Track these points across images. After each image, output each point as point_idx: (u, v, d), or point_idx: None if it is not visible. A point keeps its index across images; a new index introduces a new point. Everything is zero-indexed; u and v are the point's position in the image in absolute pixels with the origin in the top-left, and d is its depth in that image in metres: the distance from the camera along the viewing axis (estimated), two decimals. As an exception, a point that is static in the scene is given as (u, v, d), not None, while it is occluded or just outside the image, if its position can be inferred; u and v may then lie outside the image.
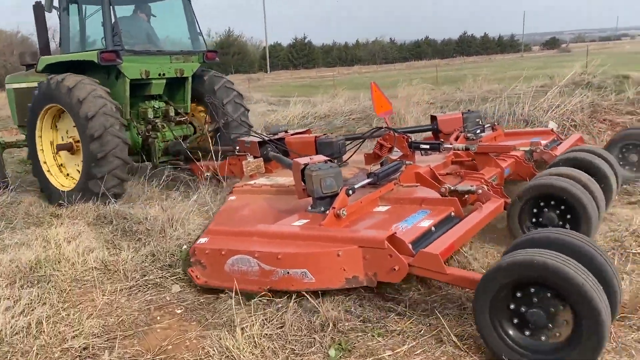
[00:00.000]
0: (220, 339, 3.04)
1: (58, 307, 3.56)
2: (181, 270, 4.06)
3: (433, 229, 3.44)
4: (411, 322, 3.14)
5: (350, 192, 3.65)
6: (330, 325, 3.10)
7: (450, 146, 4.89)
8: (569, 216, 3.81)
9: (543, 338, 2.59)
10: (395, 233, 3.14)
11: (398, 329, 3.09)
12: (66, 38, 7.10)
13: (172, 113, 7.24)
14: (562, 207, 3.84)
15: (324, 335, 3.03)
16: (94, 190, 5.94)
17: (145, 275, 4.06)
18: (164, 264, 4.21)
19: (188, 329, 3.32)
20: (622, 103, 9.89)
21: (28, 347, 3.08)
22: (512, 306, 2.65)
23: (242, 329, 3.07)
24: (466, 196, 4.05)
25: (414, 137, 5.43)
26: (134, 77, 6.61)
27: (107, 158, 5.91)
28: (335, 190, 3.64)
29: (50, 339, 3.17)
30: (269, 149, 5.46)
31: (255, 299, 3.38)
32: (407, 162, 4.49)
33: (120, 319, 3.44)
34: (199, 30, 7.41)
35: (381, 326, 3.12)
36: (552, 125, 8.08)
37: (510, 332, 2.66)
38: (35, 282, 3.99)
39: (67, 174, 6.68)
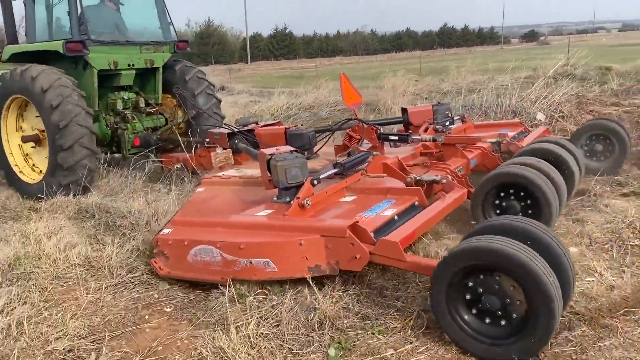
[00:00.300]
0: (214, 339, 2.90)
1: (39, 307, 3.38)
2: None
3: (396, 217, 3.46)
4: (412, 319, 3.03)
5: (315, 182, 3.65)
6: (329, 323, 2.99)
7: (419, 137, 4.93)
8: (530, 204, 3.89)
9: (497, 323, 2.63)
10: (358, 222, 3.14)
11: (399, 326, 2.99)
12: (32, 27, 6.95)
13: (142, 104, 7.14)
14: (524, 195, 3.92)
15: (322, 334, 2.92)
16: (64, 166, 5.79)
17: (131, 272, 3.89)
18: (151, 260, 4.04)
19: (179, 328, 3.17)
20: (606, 94, 9.93)
21: (8, 350, 2.90)
22: (467, 292, 2.68)
23: (236, 327, 2.94)
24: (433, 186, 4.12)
25: (386, 129, 5.49)
26: (102, 67, 6.49)
27: (70, 127, 5.76)
28: (301, 181, 3.62)
29: (32, 340, 2.99)
30: (238, 140, 5.37)
31: (250, 297, 3.25)
32: (374, 152, 4.50)
33: (106, 319, 3.27)
34: (169, 20, 7.27)
35: (381, 323, 3.02)
36: (540, 116, 8.07)
37: (466, 317, 2.70)
38: (15, 279, 3.79)
39: (40, 171, 6.44)
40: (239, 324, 2.99)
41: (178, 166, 6.05)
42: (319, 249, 3.14)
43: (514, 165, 4.07)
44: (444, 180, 4.00)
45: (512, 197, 3.99)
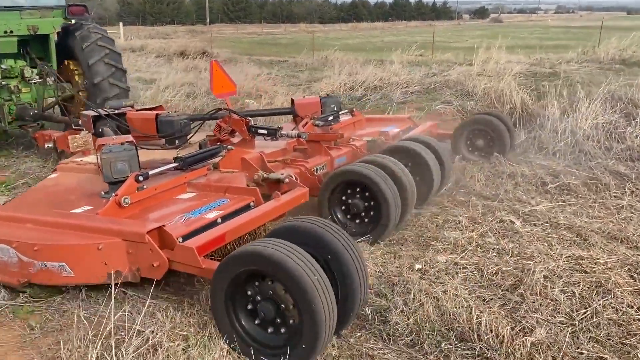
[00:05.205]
0: None
1: None
2: None
3: (219, 220, 3.28)
4: None
5: (141, 178, 3.43)
6: None
7: (286, 133, 4.76)
8: (371, 201, 3.90)
9: (270, 330, 2.56)
10: (164, 226, 2.99)
11: None
12: None
13: (27, 74, 6.58)
14: (364, 192, 3.92)
15: None
16: None
17: None
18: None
19: None
20: None
21: None
22: (244, 297, 2.58)
23: None
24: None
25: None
26: None
27: None
28: (127, 176, 3.44)
29: None
30: (109, 125, 4.99)
31: None
32: (228, 147, 4.28)
33: None
34: None
35: None
36: None
37: (243, 322, 2.61)
38: None
39: None
40: None
41: (49, 145, 5.62)
42: (120, 254, 2.96)
43: (356, 163, 4.08)
44: (287, 179, 3.91)
45: (354, 195, 3.99)
